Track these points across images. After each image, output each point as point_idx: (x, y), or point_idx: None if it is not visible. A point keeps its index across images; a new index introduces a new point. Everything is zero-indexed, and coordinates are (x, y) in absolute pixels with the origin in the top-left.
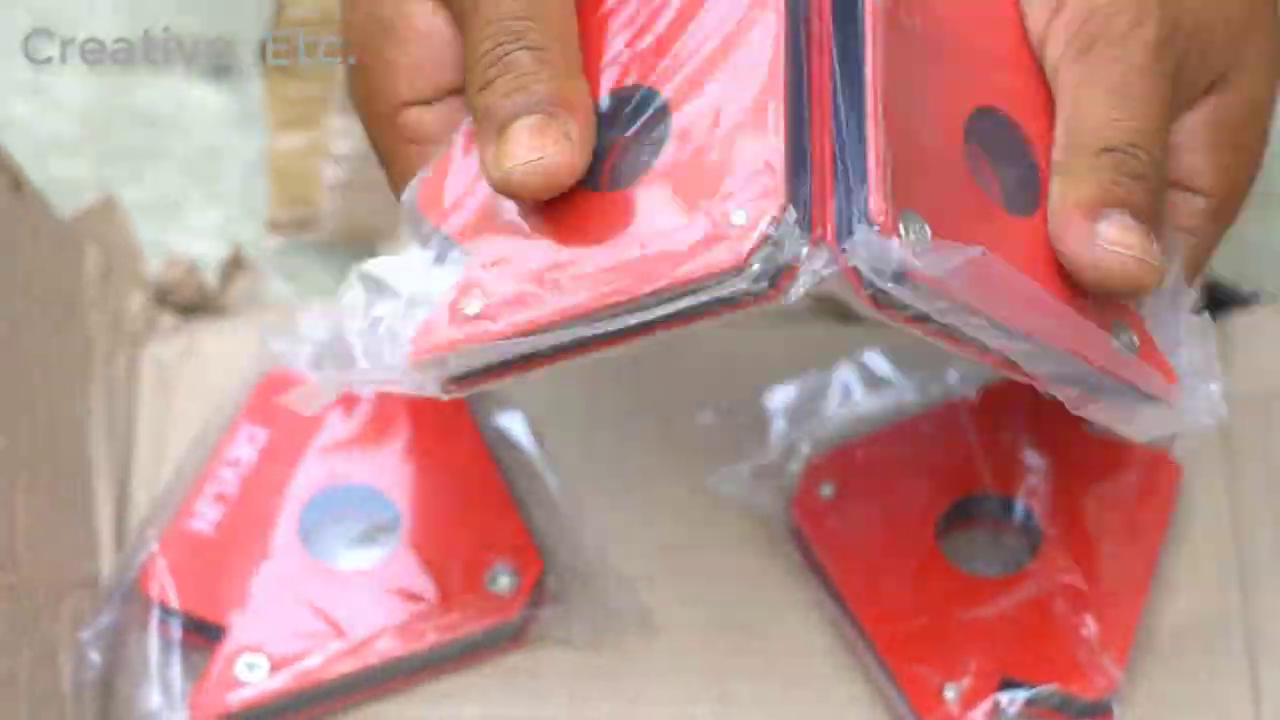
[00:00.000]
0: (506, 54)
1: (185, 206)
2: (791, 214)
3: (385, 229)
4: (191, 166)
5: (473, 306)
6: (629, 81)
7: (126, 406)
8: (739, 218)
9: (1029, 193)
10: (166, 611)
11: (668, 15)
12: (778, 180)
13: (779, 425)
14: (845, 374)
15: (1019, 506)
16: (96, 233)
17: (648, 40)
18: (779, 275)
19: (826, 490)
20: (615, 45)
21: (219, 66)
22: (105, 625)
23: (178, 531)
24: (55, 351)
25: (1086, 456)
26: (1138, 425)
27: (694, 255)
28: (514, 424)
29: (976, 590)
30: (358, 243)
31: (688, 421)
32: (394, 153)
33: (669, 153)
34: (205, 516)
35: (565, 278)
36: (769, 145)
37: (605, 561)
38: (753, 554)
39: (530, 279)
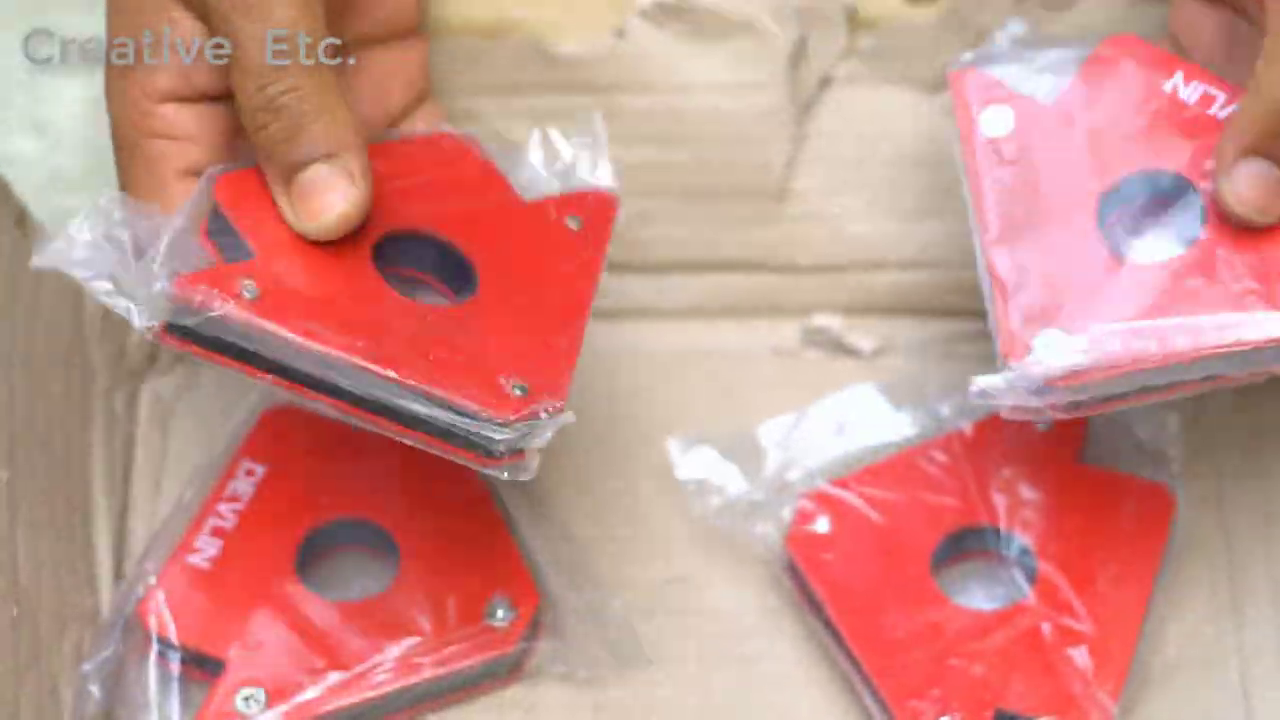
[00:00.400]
0: (276, 96)
1: None
2: (562, 415)
3: None
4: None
5: (249, 291)
6: (442, 234)
7: (125, 441)
8: (518, 389)
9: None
10: (165, 645)
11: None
12: (563, 381)
13: (774, 459)
14: (839, 407)
15: (1013, 539)
16: None
17: (465, 206)
18: (513, 451)
19: (821, 524)
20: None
21: None
22: (106, 658)
23: (176, 566)
24: (58, 386)
25: (1080, 489)
26: None
27: (471, 388)
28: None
29: (971, 623)
30: None
31: (683, 455)
32: (139, 146)
33: (477, 305)
34: (204, 551)
35: (349, 324)
36: (563, 349)
37: (602, 595)
38: (748, 588)
39: (314, 303)
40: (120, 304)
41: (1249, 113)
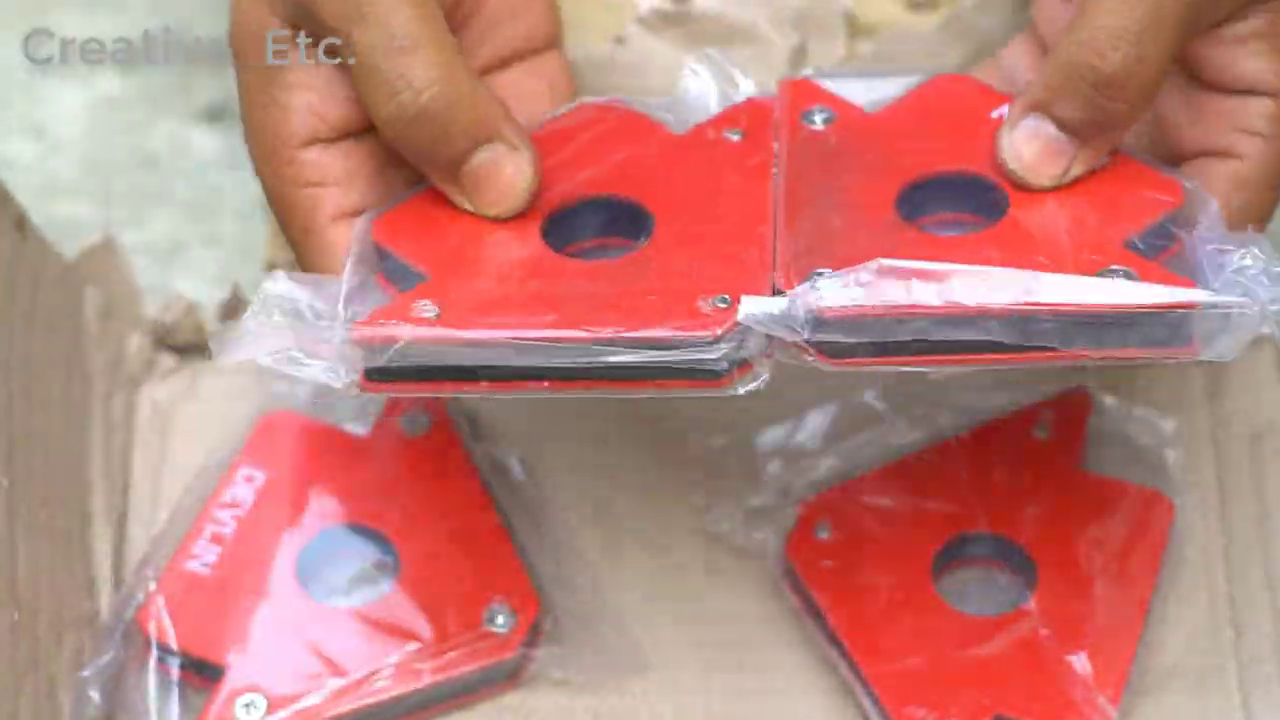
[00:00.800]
0: (418, 106)
1: (184, 248)
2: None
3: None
4: (191, 209)
5: (428, 310)
6: (605, 190)
7: (124, 447)
8: (720, 302)
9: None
10: (165, 651)
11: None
12: (762, 281)
13: (773, 465)
14: (839, 414)
15: (1013, 545)
16: (97, 274)
17: (621, 157)
18: (737, 365)
19: (821, 531)
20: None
21: (217, 109)
22: (104, 664)
23: (176, 571)
24: (57, 392)
25: (1080, 495)
26: (1185, 347)
27: (667, 318)
28: (511, 464)
29: (971, 629)
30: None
31: (682, 461)
32: (291, 198)
33: (655, 244)
34: (203, 557)
35: (530, 304)
36: (755, 255)
37: (602, 602)
38: (748, 594)
39: (493, 299)
40: (318, 372)
41: (1042, 73)
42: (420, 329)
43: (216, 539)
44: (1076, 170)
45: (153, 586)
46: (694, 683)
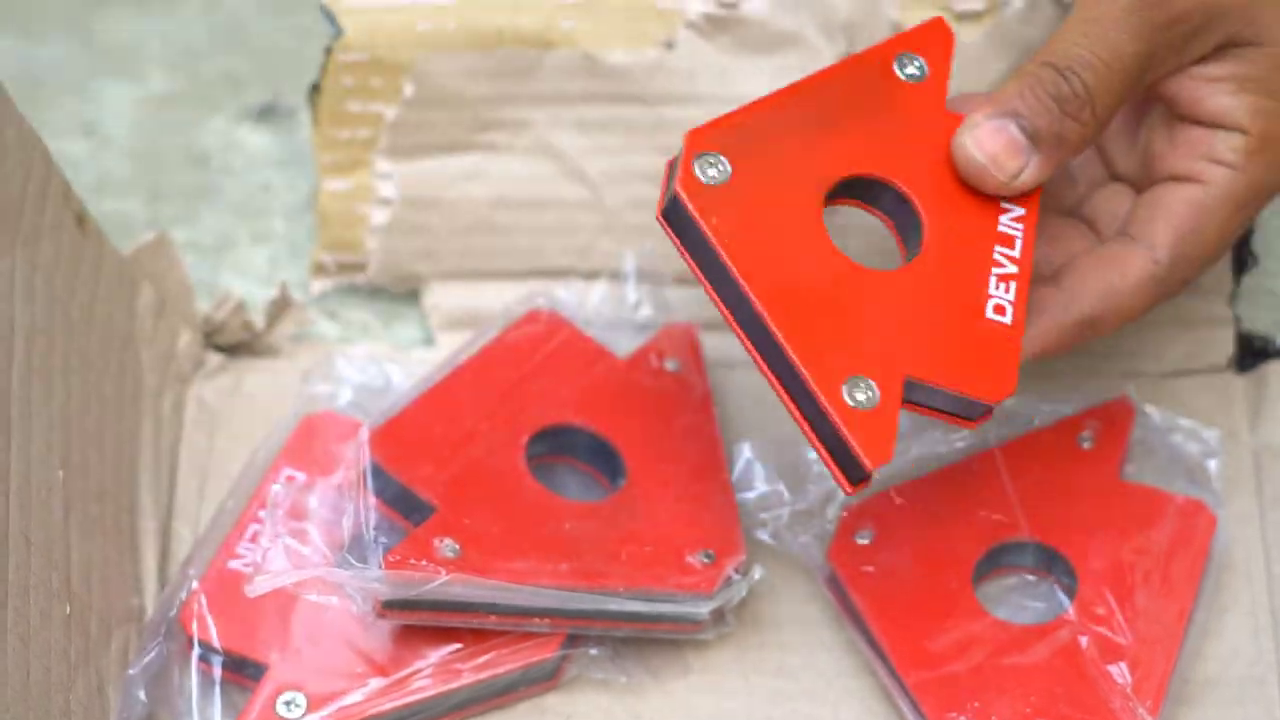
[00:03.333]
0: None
1: (233, 246)
2: (750, 570)
3: (427, 274)
4: (240, 207)
5: (450, 550)
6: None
7: (171, 444)
8: (705, 558)
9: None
10: (207, 649)
11: None
12: (736, 534)
13: (818, 470)
14: None
15: (1054, 554)
16: (150, 270)
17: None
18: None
19: (864, 536)
20: None
21: (267, 107)
22: (149, 662)
23: (218, 570)
24: (111, 387)
25: (1122, 505)
26: None
27: (665, 574)
28: None
29: (1011, 637)
30: (401, 285)
31: (727, 463)
32: None
33: (634, 485)
34: (245, 556)
35: (543, 549)
36: (728, 507)
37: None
38: (789, 598)
39: (508, 542)
40: (343, 588)
41: (1011, 82)
42: (456, 575)
43: (258, 539)
44: (1028, 175)
45: (195, 585)
46: (734, 685)
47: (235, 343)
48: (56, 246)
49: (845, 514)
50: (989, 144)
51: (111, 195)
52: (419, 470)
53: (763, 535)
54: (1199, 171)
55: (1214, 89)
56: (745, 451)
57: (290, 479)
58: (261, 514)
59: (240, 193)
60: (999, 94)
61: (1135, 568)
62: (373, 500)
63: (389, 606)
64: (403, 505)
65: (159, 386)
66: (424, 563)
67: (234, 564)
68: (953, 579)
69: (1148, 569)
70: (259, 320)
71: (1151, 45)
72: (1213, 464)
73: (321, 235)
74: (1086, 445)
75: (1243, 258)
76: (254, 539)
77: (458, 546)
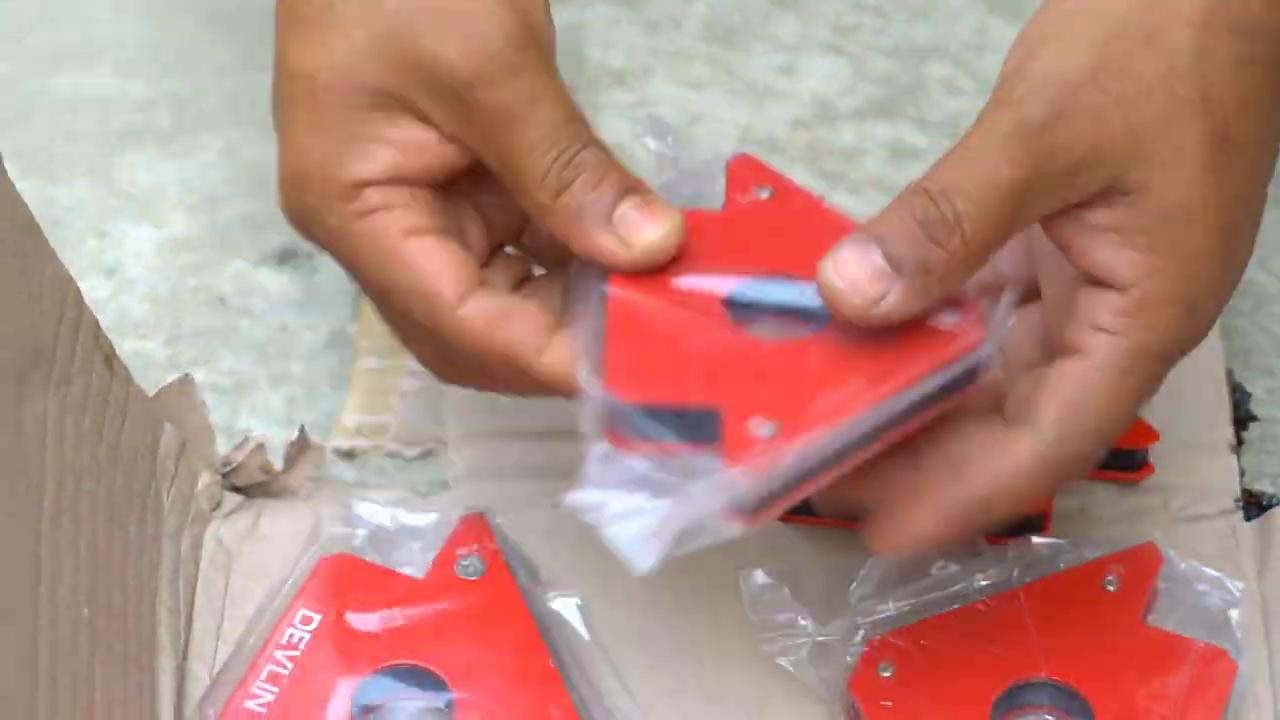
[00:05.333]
0: (574, 157)
1: (252, 388)
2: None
3: (444, 434)
4: (258, 348)
5: (766, 428)
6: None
7: (189, 583)
8: (955, 317)
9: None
10: None
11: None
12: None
13: (841, 603)
14: (910, 557)
15: (1074, 694)
16: (173, 412)
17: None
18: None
19: (885, 670)
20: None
21: (285, 250)
22: None
23: (234, 710)
24: (134, 527)
25: (1143, 649)
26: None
27: (934, 346)
28: (566, 606)
29: None
30: (417, 442)
31: (754, 592)
32: (355, 229)
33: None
34: (260, 697)
35: (819, 392)
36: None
37: None
38: None
39: (800, 401)
40: (703, 541)
41: (891, 203)
42: (797, 438)
43: (274, 679)
44: (891, 303)
45: None
46: None
47: (253, 483)
48: (86, 387)
49: (868, 647)
50: (848, 269)
51: (131, 336)
52: (674, 386)
53: (784, 663)
54: (1082, 341)
55: (1098, 241)
56: (774, 580)
57: (306, 620)
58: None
59: (259, 334)
60: (870, 221)
61: (1152, 712)
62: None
63: (749, 511)
64: (684, 431)
65: (178, 527)
66: (761, 448)
67: (250, 704)
68: (971, 717)
69: (1165, 714)
70: (277, 462)
71: (1030, 173)
72: (1235, 614)
73: (351, 401)
74: (1111, 589)
75: (1240, 417)
76: (270, 679)
77: (773, 423)
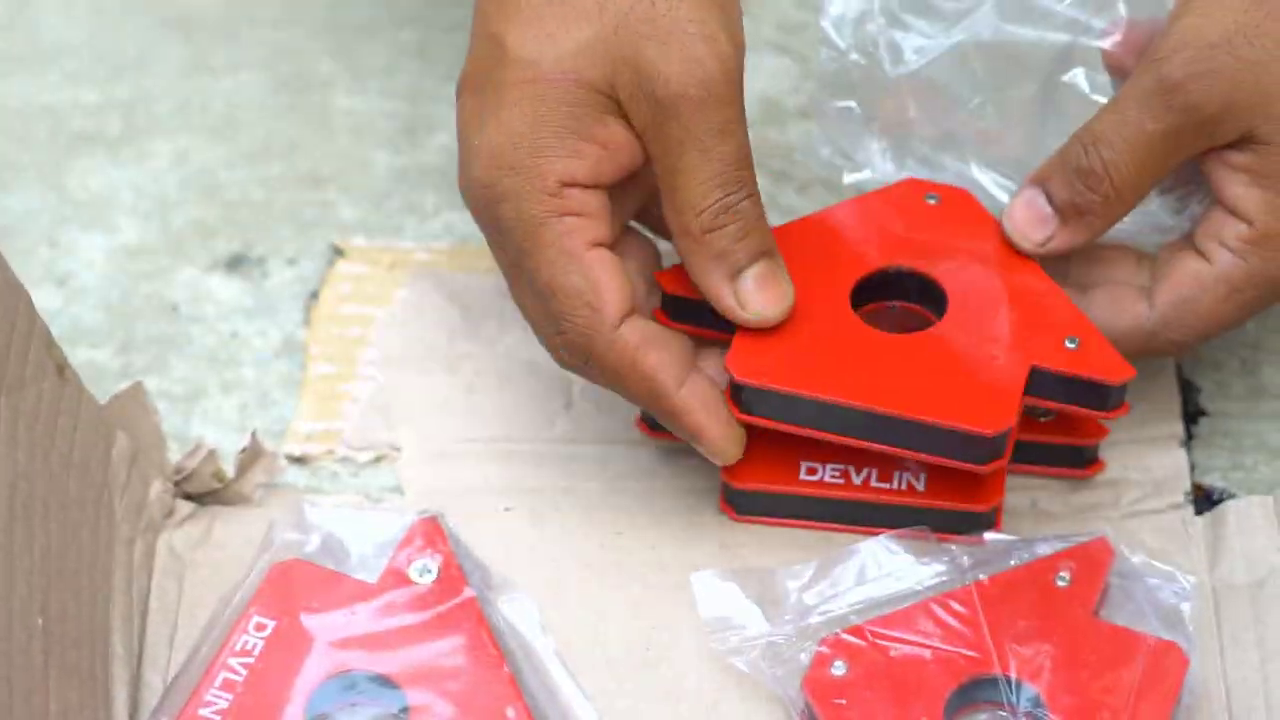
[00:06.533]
0: (736, 203)
1: (203, 395)
2: None
3: (396, 440)
4: (210, 355)
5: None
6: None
7: (142, 592)
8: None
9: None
10: None
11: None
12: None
13: (795, 601)
14: (861, 555)
15: (1026, 691)
16: (125, 420)
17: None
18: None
19: (838, 669)
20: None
21: (236, 257)
22: None
23: (189, 718)
24: (87, 535)
25: (1095, 644)
26: None
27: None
28: (519, 609)
29: None
30: (370, 448)
31: (707, 592)
32: (548, 225)
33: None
34: (215, 704)
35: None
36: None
37: None
38: None
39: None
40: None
41: (1058, 150)
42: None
43: (228, 686)
44: (1056, 243)
45: None
46: None
47: (205, 491)
48: (38, 396)
49: (821, 646)
50: (1017, 215)
51: (83, 344)
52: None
53: (737, 662)
54: (1209, 250)
55: (1233, 178)
56: (725, 580)
57: (260, 627)
58: None
59: (210, 341)
60: (1039, 167)
61: (1106, 707)
62: None
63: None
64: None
65: (131, 535)
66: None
67: (204, 712)
68: (927, 713)
69: (1119, 708)
70: (229, 469)
71: (1167, 126)
72: (1186, 607)
73: (303, 406)
74: (1063, 584)
75: (1190, 412)
76: (225, 686)
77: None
